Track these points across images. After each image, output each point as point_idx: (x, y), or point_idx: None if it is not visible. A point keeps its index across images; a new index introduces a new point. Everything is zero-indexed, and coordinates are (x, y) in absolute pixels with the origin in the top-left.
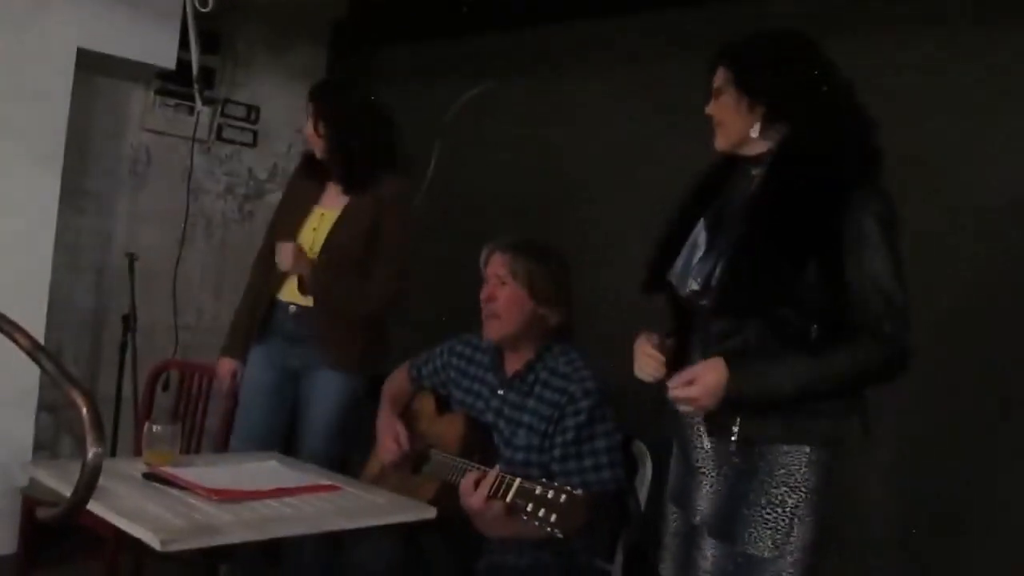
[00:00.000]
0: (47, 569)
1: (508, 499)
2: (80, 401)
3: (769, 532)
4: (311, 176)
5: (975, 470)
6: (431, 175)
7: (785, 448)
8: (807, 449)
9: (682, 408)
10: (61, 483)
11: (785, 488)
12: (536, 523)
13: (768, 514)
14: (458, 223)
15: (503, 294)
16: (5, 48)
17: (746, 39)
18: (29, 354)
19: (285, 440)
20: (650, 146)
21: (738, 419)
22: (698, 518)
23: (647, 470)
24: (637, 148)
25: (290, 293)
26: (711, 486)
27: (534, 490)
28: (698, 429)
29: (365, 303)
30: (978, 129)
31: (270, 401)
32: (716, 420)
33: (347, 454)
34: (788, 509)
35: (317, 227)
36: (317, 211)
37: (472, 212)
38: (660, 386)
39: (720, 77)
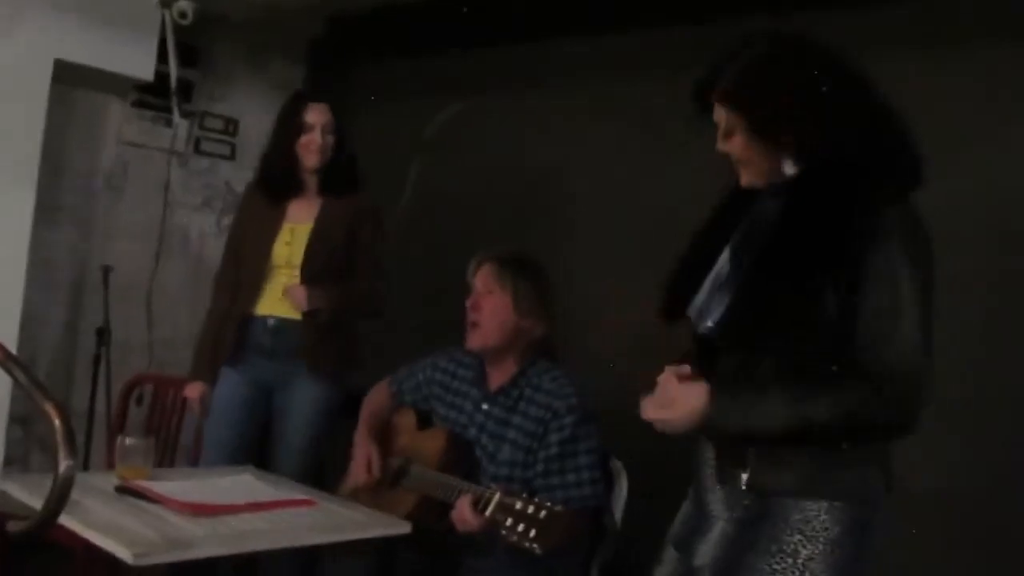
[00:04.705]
0: None
1: (487, 513)
2: (52, 413)
3: None
4: (272, 196)
5: None
6: (409, 193)
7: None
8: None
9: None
10: (32, 496)
11: (800, 536)
12: (514, 538)
13: (776, 564)
14: (438, 239)
15: (487, 304)
16: None
17: (739, 65)
18: (1, 365)
19: (255, 455)
20: (632, 162)
21: (748, 467)
22: (698, 561)
23: (623, 488)
24: (618, 164)
25: (268, 307)
26: (720, 531)
27: (514, 505)
28: (713, 473)
29: (360, 303)
30: None
31: (241, 415)
32: (726, 467)
33: (322, 467)
34: (800, 560)
35: (290, 240)
36: (287, 227)
37: (452, 228)
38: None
39: (724, 117)
